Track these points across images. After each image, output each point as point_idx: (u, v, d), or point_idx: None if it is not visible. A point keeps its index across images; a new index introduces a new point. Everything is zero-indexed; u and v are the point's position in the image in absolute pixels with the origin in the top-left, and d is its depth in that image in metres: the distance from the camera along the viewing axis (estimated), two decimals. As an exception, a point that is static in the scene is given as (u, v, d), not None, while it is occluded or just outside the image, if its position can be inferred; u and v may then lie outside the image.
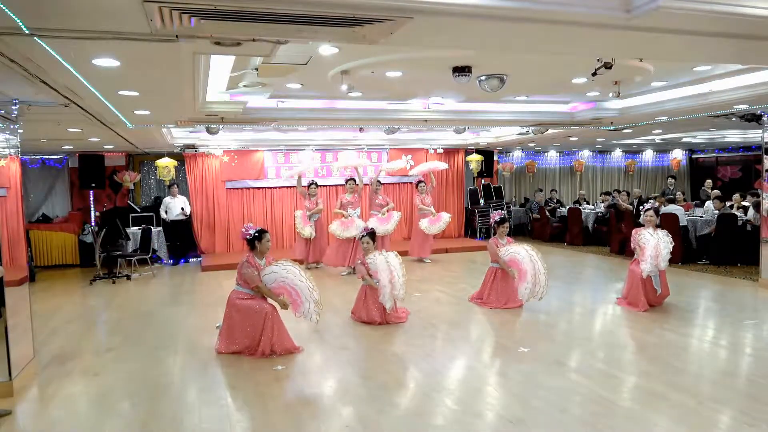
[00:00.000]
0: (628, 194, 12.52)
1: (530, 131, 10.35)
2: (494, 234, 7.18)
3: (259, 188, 12.58)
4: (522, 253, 6.68)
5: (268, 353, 5.14)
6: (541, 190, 15.35)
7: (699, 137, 14.10)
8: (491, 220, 7.38)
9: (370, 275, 6.27)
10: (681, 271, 8.98)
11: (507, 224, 7.11)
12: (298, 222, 10.11)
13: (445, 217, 10.68)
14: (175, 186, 11.45)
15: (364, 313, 6.30)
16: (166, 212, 11.27)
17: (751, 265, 8.91)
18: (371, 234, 6.69)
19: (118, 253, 9.92)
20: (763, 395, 4.05)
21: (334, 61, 5.38)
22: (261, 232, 5.36)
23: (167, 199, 11.38)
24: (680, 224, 9.60)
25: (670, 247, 6.50)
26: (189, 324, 6.58)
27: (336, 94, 7.10)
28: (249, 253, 5.38)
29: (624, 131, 10.79)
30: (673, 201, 10.96)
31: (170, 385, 4.57)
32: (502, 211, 7.40)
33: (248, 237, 5.37)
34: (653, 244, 6.50)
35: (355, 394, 4.28)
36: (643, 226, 6.87)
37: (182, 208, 11.31)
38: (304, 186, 10.34)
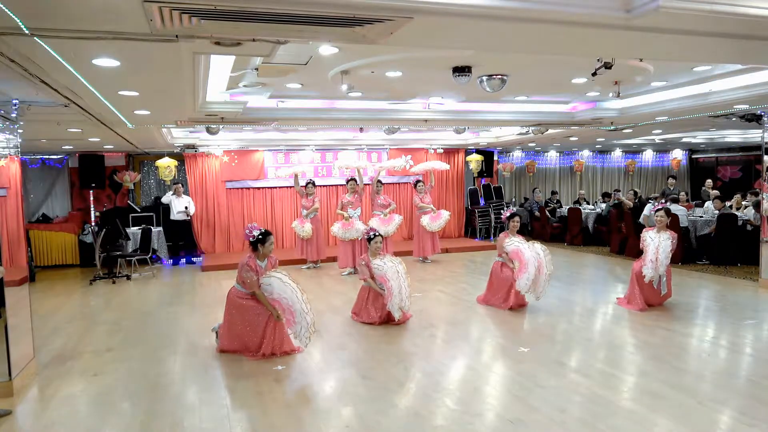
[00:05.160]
0: (635, 193, 12.48)
1: (530, 131, 10.35)
2: (506, 229, 7.13)
3: (259, 188, 12.59)
4: (525, 247, 6.62)
5: (268, 354, 5.13)
6: (536, 188, 15.31)
7: (699, 137, 14.09)
8: (503, 216, 7.37)
9: (373, 278, 6.24)
10: (681, 271, 8.97)
11: (518, 219, 7.10)
12: (298, 229, 10.26)
13: (445, 214, 10.71)
14: (180, 185, 11.44)
15: (364, 313, 6.29)
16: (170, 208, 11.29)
17: (751, 265, 8.91)
18: (381, 235, 6.69)
19: (118, 253, 9.92)
20: (763, 395, 4.05)
21: (334, 61, 5.38)
22: (265, 235, 5.22)
23: (172, 198, 11.37)
24: (681, 224, 9.60)
25: (669, 252, 6.48)
26: (189, 324, 6.58)
27: (336, 94, 7.09)
28: (250, 255, 5.21)
29: (624, 131, 10.78)
30: (675, 201, 10.94)
31: (170, 385, 4.58)
32: (513, 208, 7.36)
33: (251, 239, 5.23)
34: (653, 248, 6.49)
35: (355, 394, 4.28)
36: (643, 226, 6.84)
37: (186, 207, 11.31)
38: (302, 186, 10.39)
